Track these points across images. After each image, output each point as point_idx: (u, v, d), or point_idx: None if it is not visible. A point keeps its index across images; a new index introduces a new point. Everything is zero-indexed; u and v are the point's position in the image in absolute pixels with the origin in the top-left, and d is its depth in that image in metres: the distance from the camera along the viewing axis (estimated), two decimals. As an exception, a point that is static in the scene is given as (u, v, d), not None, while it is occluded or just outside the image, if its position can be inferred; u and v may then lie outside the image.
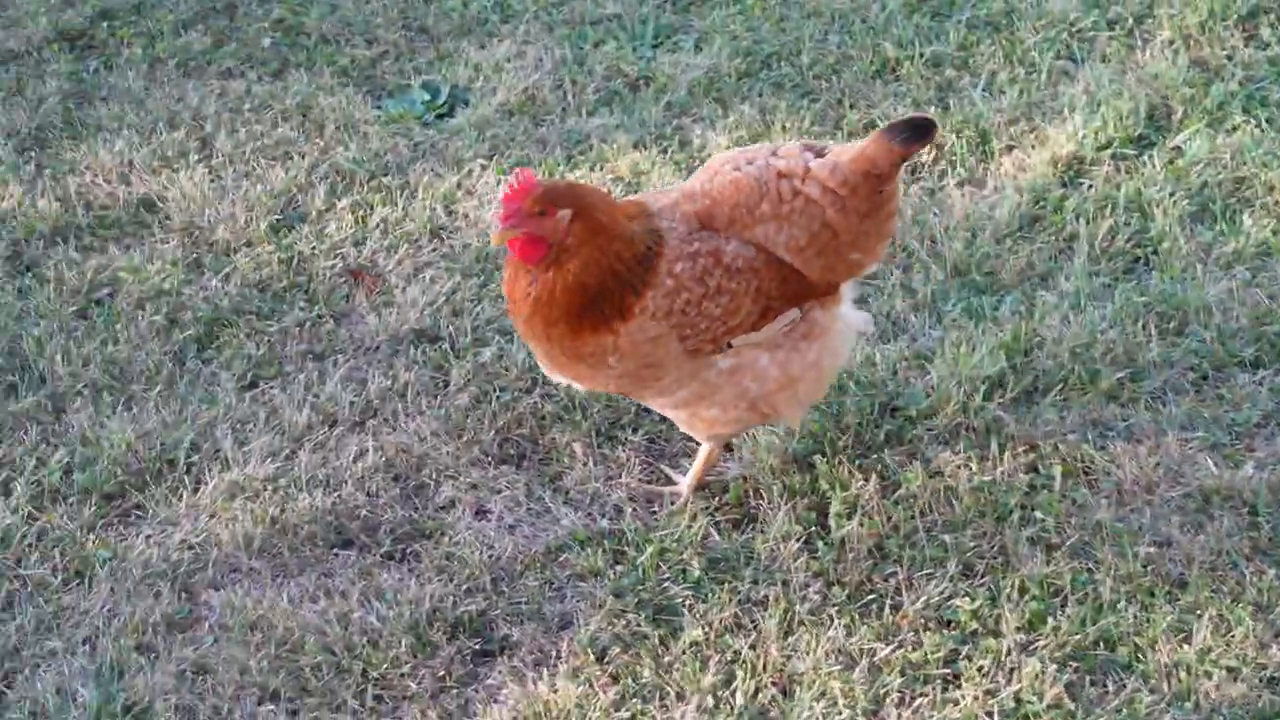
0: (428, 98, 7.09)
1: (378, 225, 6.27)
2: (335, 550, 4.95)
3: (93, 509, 5.07)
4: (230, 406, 5.43)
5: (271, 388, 5.54)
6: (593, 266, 4.44)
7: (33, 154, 6.84)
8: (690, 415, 4.80)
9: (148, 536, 4.98)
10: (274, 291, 5.97)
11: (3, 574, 4.87)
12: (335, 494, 5.09)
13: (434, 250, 6.17)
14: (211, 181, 6.54)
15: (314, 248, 6.16)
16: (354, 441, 5.30)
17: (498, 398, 5.44)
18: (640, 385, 4.68)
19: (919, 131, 4.55)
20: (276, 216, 6.32)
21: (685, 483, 5.07)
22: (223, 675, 4.54)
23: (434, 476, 5.19)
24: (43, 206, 6.44)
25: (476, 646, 4.64)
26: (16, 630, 4.68)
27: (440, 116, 7.05)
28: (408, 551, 4.94)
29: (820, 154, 4.59)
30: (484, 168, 6.59)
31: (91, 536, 4.98)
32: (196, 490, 5.13)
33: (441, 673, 4.56)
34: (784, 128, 6.68)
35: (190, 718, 4.47)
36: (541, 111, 7.02)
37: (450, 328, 5.76)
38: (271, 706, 4.48)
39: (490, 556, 4.88)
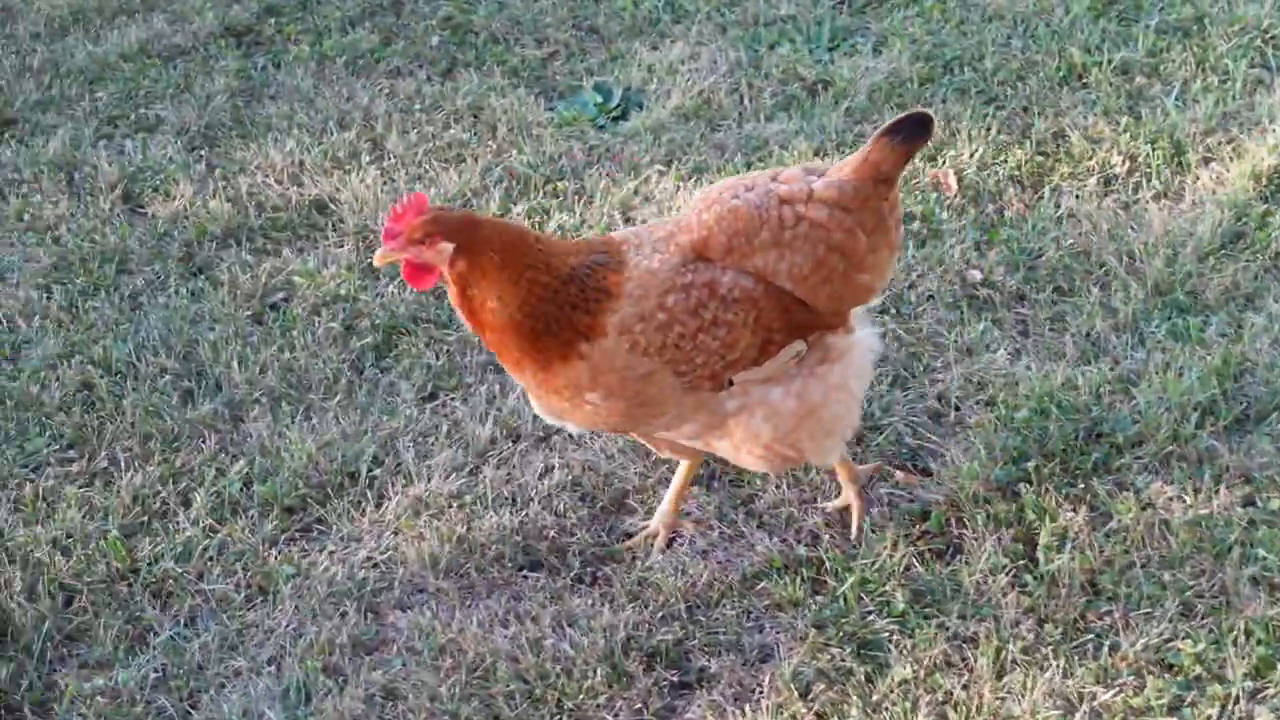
0: (600, 100, 6.92)
1: (554, 231, 6.10)
2: (524, 572, 4.78)
3: (274, 522, 4.93)
4: (411, 418, 5.29)
5: (452, 399, 5.38)
6: (510, 300, 4.15)
7: (202, 152, 6.76)
8: (706, 445, 4.57)
9: (331, 552, 4.84)
10: (444, 297, 5.80)
11: (185, 589, 4.73)
12: (522, 513, 4.93)
13: (612, 259, 5.98)
14: (384, 183, 6.40)
15: (491, 253, 5.99)
16: (539, 458, 5.13)
17: (685, 415, 5.23)
18: (637, 423, 4.43)
19: (919, 128, 4.33)
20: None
21: (657, 518, 4.88)
22: (413, 701, 4.39)
23: (622, 497, 4.99)
24: (214, 207, 6.34)
25: (674, 678, 4.44)
26: (200, 648, 4.56)
27: (614, 119, 6.86)
28: (598, 575, 4.76)
29: (823, 175, 4.37)
30: (662, 174, 6.40)
31: (274, 551, 4.85)
32: (380, 505, 4.98)
33: (639, 705, 4.38)
34: (969, 136, 6.43)
35: (380, 746, 4.32)
36: (718, 115, 6.83)
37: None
38: (463, 735, 4.31)
39: (685, 583, 4.68)
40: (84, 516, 4.97)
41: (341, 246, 6.10)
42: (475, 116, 6.87)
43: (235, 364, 5.51)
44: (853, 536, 4.80)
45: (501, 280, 4.14)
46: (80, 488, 5.09)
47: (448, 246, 4.13)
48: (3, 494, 5.11)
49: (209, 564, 4.82)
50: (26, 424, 5.36)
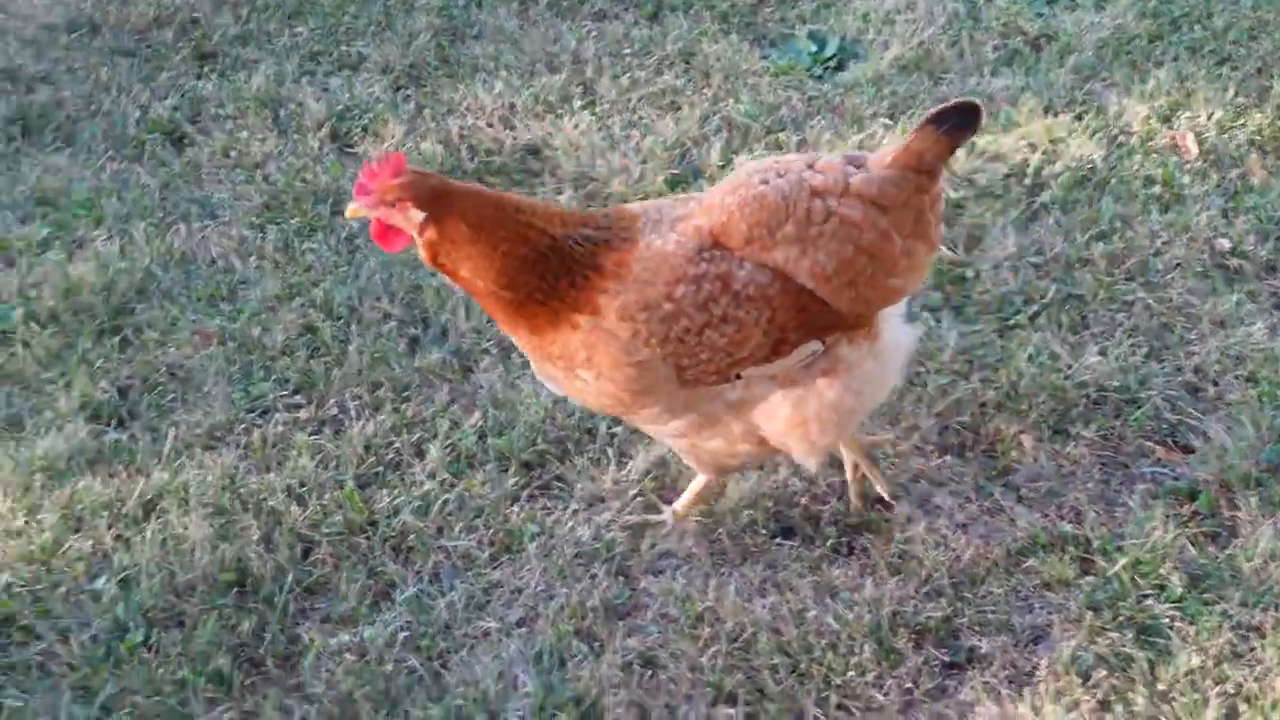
0: (814, 49, 6.68)
1: (779, 185, 5.87)
2: (777, 540, 4.57)
3: (513, 478, 4.75)
4: (647, 374, 5.08)
5: (687, 356, 5.18)
6: (486, 269, 3.96)
7: (409, 92, 6.57)
8: (690, 445, 4.33)
9: (575, 512, 4.65)
10: (678, 251, 5.60)
11: (427, 544, 4.56)
12: (771, 478, 4.72)
13: (843, 215, 5.75)
14: (598, 129, 6.19)
15: (716, 205, 5.77)
16: (780, 421, 4.92)
17: (933, 381, 5.01)
18: (625, 408, 4.18)
19: (966, 117, 4.01)
20: (672, 170, 5.95)
21: (669, 511, 4.65)
22: (673, 670, 4.20)
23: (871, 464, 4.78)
24: (426, 149, 6.14)
25: (945, 657, 4.23)
26: (447, 606, 4.38)
27: (830, 69, 6.61)
28: (854, 545, 4.55)
29: (861, 166, 4.07)
30: (887, 127, 6.16)
31: (515, 508, 4.66)
32: (622, 465, 4.78)
33: (909, 684, 4.17)
34: (1205, 98, 6.15)
35: (641, 715, 4.12)
36: (939, 68, 6.57)
37: (876, 300, 5.34)
38: (729, 710, 4.12)
39: (948, 557, 4.46)
40: (317, 465, 4.80)
41: (561, 194, 5.89)
42: (687, 62, 6.65)
43: (460, 312, 5.33)
44: (851, 497, 4.65)
45: (473, 252, 3.95)
46: (310, 435, 4.93)
47: (417, 214, 3.96)
48: (231, 438, 4.94)
49: (449, 519, 4.64)
50: (250, 366, 5.20)
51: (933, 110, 4.03)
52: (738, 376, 4.11)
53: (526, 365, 5.12)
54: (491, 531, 4.60)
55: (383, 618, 4.36)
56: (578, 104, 6.36)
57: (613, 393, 4.10)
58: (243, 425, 5.00)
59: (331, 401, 5.05)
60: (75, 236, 5.86)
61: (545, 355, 4.11)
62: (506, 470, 4.79)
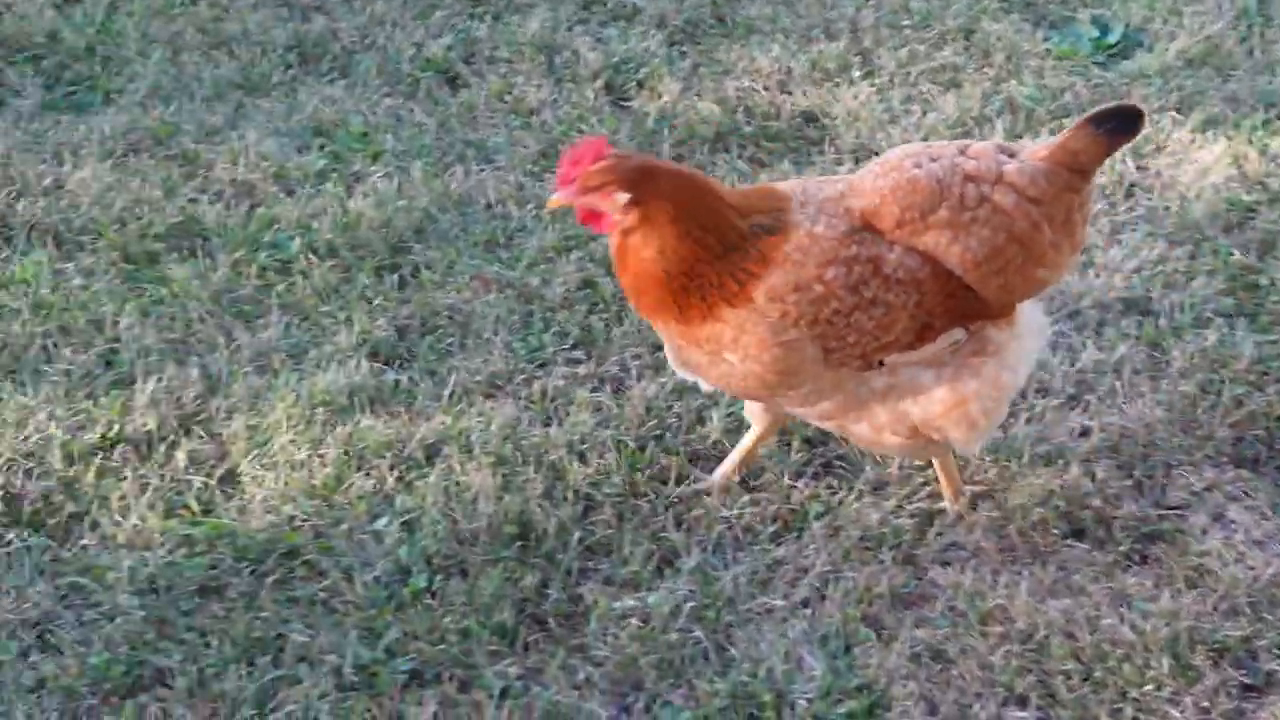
0: (1097, 35, 6.50)
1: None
2: (1068, 541, 4.45)
3: (798, 454, 4.67)
4: (933, 358, 4.97)
5: (969, 342, 5.06)
6: (670, 254, 3.92)
7: (684, 49, 6.49)
8: (839, 427, 4.28)
9: (859, 494, 4.56)
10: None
11: (711, 514, 4.50)
12: (1061, 476, 4.60)
13: (1129, 210, 5.61)
14: (879, 100, 6.08)
15: (1002, 189, 5.64)
16: (1072, 417, 4.80)
17: (1228, 390, 4.85)
18: (770, 391, 4.13)
19: (1126, 121, 3.99)
20: (956, 148, 5.82)
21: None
22: (962, 667, 4.10)
23: (1164, 470, 4.64)
24: (703, 108, 6.07)
25: (1244, 679, 4.09)
26: (732, 580, 4.32)
27: (1112, 57, 6.44)
28: (1148, 555, 4.42)
29: (1014, 155, 4.02)
30: (1176, 122, 5.97)
31: (799, 485, 4.58)
32: (907, 451, 4.69)
33: (1205, 703, 4.03)
34: None
35: (930, 710, 4.04)
36: (1227, 65, 6.37)
37: (1165, 301, 5.19)
38: (1020, 713, 4.02)
39: (1247, 575, 4.32)
40: (597, 423, 4.76)
41: (841, 165, 5.79)
42: (967, 39, 6.51)
43: (745, 279, 5.24)
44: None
45: (668, 234, 3.92)
46: (591, 392, 4.88)
47: (623, 196, 3.92)
48: (510, 387, 4.91)
49: (732, 490, 4.57)
50: (530, 317, 5.17)
51: (1095, 110, 4.02)
52: (881, 363, 4.06)
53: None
54: (775, 507, 4.52)
55: (666, 585, 4.30)
56: (856, 73, 6.25)
57: (759, 374, 4.06)
58: (522, 375, 4.97)
59: (612, 359, 5.00)
60: (352, 170, 5.86)
61: (691, 341, 4.07)
62: (788, 445, 4.71)
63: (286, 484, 4.56)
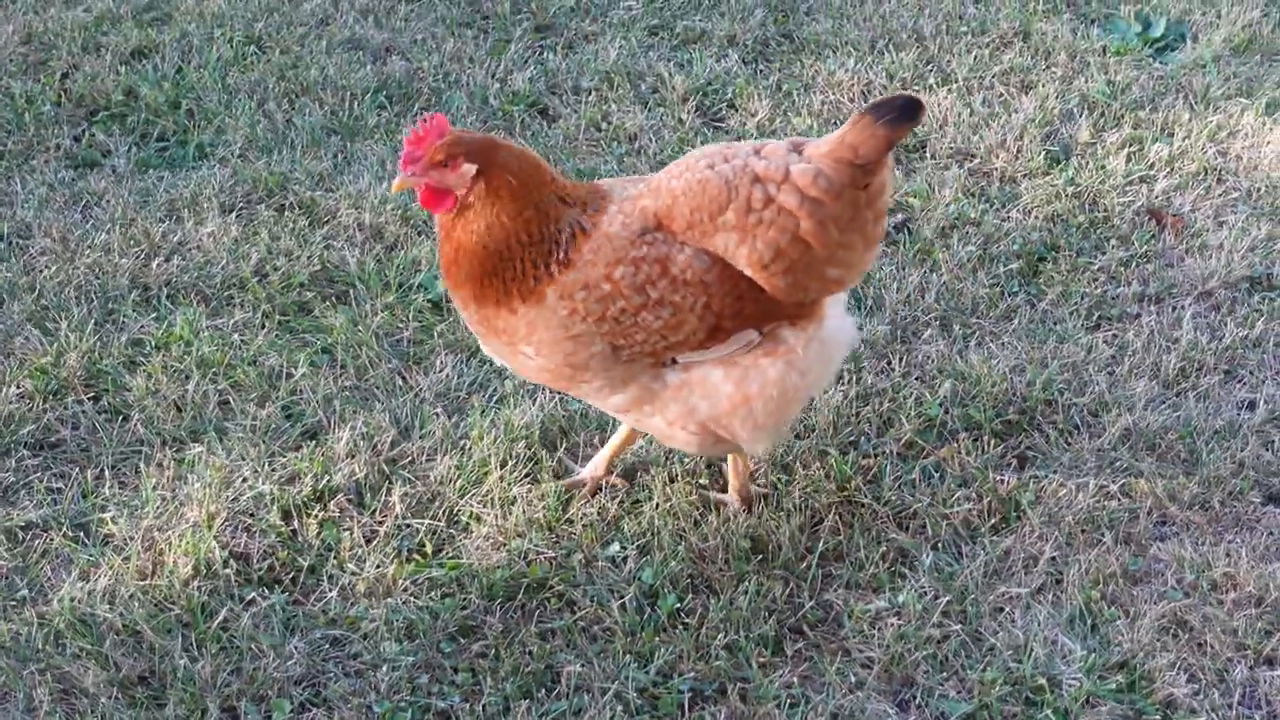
0: (1140, 29, 6.76)
1: (1153, 163, 5.97)
2: (1267, 508, 4.68)
3: (988, 447, 4.84)
4: (1091, 346, 5.18)
5: (1119, 329, 5.28)
6: (496, 230, 4.02)
7: (761, 67, 6.64)
8: (635, 422, 4.38)
9: (1062, 480, 4.73)
10: (1076, 227, 5.70)
11: (933, 513, 4.64)
12: (1244, 448, 4.83)
13: (1223, 195, 5.87)
14: (964, 107, 6.27)
15: (1101, 183, 5.88)
16: (1239, 391, 5.03)
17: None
18: (566, 382, 4.25)
19: (906, 111, 3.89)
20: (1051, 147, 6.04)
21: (729, 501, 4.69)
22: (1209, 635, 4.29)
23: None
24: (798, 122, 6.22)
25: None
26: (969, 573, 4.46)
27: (1160, 50, 6.71)
28: (1345, 515, 4.67)
29: (804, 153, 4.01)
30: (1243, 108, 6.25)
31: (1002, 476, 4.75)
32: (1097, 434, 4.88)
33: None
34: None
35: (1190, 678, 4.22)
36: (1270, 51, 6.67)
37: (1292, 278, 5.47)
38: (1272, 672, 4.22)
39: None
40: (794, 436, 4.88)
41: (947, 169, 5.98)
42: (1025, 40, 6.73)
43: (894, 287, 5.40)
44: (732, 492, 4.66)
45: (505, 209, 4.01)
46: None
47: (470, 168, 3.99)
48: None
49: (934, 487, 4.72)
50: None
51: (873, 101, 3.98)
52: (674, 360, 4.16)
53: (970, 336, 5.22)
54: (986, 501, 4.68)
55: (908, 584, 4.44)
56: (931, 81, 6.43)
57: (553, 369, 4.16)
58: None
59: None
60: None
61: (490, 330, 4.17)
62: (978, 440, 4.87)
63: (510, 519, 4.61)
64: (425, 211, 4.33)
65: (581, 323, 4.05)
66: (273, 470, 4.77)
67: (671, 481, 4.72)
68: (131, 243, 5.66)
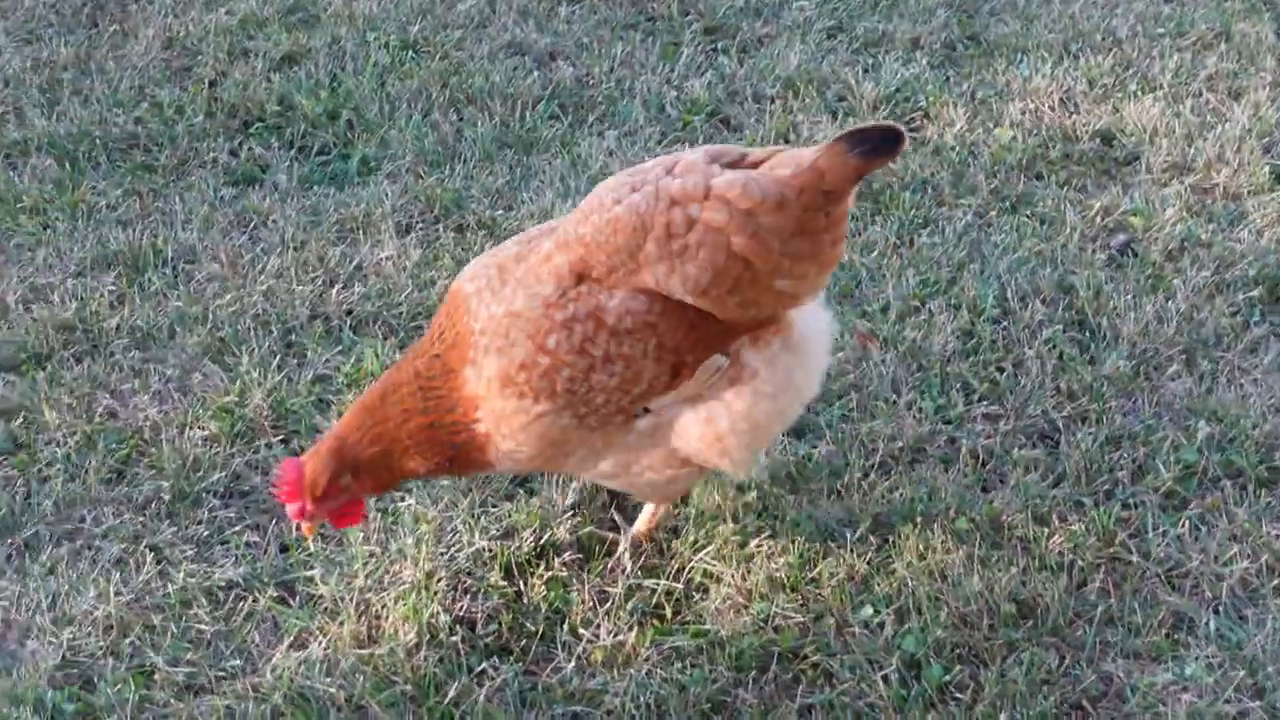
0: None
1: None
2: None
3: (1255, 496, 4.49)
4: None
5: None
6: (416, 459, 3.91)
7: (948, 73, 6.25)
8: (626, 485, 4.08)
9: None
10: (1313, 249, 5.35)
11: (1205, 573, 4.28)
12: None
13: None
14: (1173, 114, 5.89)
15: (1335, 200, 5.53)
16: None
17: None
18: (555, 464, 3.99)
19: (885, 143, 3.57)
20: (1274, 160, 5.67)
21: (630, 533, 4.40)
22: None
23: None
24: (999, 134, 5.85)
25: None
26: (1260, 642, 4.10)
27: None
28: None
29: (737, 163, 3.68)
30: None
31: (1276, 530, 4.39)
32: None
33: None
34: None
35: None
36: None
37: None
38: None
39: None
40: (1043, 483, 4.52)
41: (1165, 185, 5.60)
42: (1226, 42, 6.35)
43: (1130, 315, 5.04)
44: (612, 559, 4.38)
45: (390, 466, 3.89)
46: (1019, 450, 4.65)
47: (345, 479, 3.89)
48: (933, 451, 4.65)
49: (1203, 541, 4.37)
50: (920, 371, 4.91)
51: (850, 129, 3.62)
52: (646, 410, 3.84)
53: (1218, 372, 4.86)
54: (1263, 559, 4.32)
55: (1190, 653, 4.08)
56: (1133, 87, 6.05)
57: (529, 455, 3.87)
58: (942, 438, 4.71)
59: (1031, 412, 4.76)
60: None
61: (467, 462, 3.94)
62: (1243, 488, 4.51)
63: (749, 578, 4.27)
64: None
65: (535, 402, 3.74)
66: (487, 524, 4.43)
67: (925, 530, 4.36)
68: (306, 268, 5.32)
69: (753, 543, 4.38)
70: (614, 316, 3.69)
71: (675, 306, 3.69)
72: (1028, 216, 5.50)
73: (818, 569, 4.30)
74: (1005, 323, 5.06)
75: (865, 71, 6.24)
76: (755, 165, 3.67)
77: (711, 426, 3.83)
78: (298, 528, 4.15)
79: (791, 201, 3.57)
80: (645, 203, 3.62)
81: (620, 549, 4.37)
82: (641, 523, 4.38)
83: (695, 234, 3.59)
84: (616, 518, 4.47)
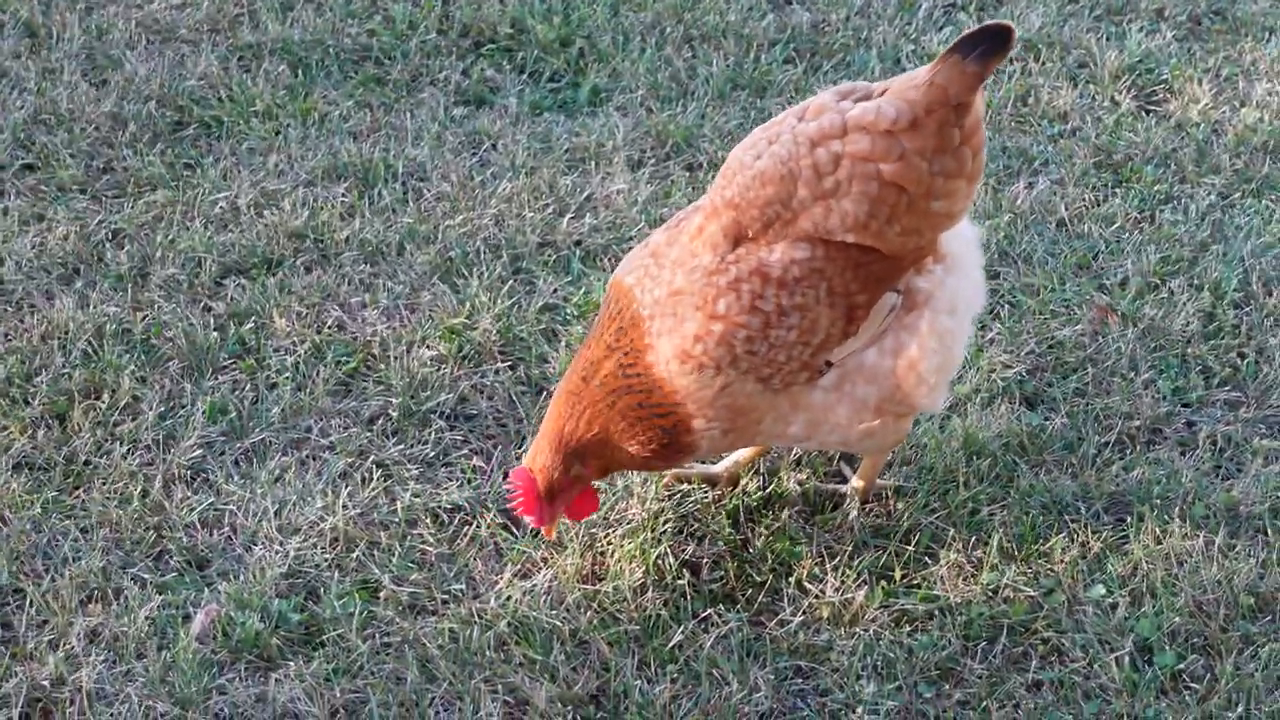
0: None
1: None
2: None
3: None
4: None
5: None
6: (627, 454, 3.92)
7: (1193, 47, 6.08)
8: (821, 446, 4.04)
9: None
10: None
11: None
12: None
13: None
14: None
15: None
16: None
17: None
18: (746, 438, 3.96)
19: (996, 42, 3.52)
20: None
21: (851, 488, 4.32)
22: None
23: None
24: (1245, 114, 5.68)
25: None
26: None
27: None
28: None
29: (867, 96, 3.62)
30: None
31: None
32: None
33: None
34: None
35: None
36: None
37: None
38: None
39: None
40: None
41: None
42: None
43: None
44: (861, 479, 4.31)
45: (612, 442, 3.89)
46: (1262, 438, 4.52)
47: (578, 466, 3.91)
48: (1170, 434, 4.54)
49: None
50: (1159, 351, 4.78)
51: (959, 38, 3.56)
52: (829, 364, 3.76)
53: None
54: None
55: None
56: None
57: (722, 430, 3.82)
58: (1180, 420, 4.59)
59: (1275, 400, 4.62)
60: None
61: (674, 449, 3.91)
62: None
63: (978, 547, 4.19)
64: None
65: (716, 374, 3.71)
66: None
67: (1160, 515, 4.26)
68: (536, 195, 5.28)
69: (984, 510, 4.30)
70: (779, 269, 3.67)
71: (838, 249, 3.68)
72: (1273, 200, 5.33)
73: (1050, 543, 4.21)
74: (1248, 307, 4.92)
75: (1108, 39, 6.07)
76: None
77: (903, 355, 3.80)
78: (537, 533, 4.14)
79: (923, 119, 3.55)
80: (787, 150, 3.61)
81: (845, 504, 4.31)
82: (858, 479, 4.32)
83: (844, 169, 3.59)
84: (846, 470, 4.41)
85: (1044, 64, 5.95)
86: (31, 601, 4.04)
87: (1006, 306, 4.94)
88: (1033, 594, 4.12)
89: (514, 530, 4.26)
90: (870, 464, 4.27)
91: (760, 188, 3.64)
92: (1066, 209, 5.28)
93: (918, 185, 3.62)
